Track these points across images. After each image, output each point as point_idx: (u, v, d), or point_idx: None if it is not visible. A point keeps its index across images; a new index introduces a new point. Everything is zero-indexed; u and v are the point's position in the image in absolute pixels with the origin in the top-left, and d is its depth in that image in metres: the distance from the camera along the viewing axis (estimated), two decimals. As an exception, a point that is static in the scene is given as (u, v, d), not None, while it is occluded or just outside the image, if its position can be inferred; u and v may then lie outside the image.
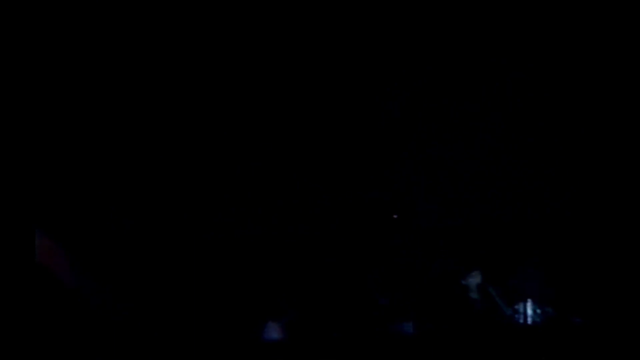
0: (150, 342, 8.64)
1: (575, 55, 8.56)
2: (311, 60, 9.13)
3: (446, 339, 6.72)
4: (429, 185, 9.29)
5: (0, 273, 5.71)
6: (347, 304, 8.95)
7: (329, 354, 6.50)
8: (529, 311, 8.52)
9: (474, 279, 8.66)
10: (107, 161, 9.51)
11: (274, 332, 7.82)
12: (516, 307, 8.55)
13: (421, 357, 5.95)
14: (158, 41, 9.20)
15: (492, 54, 8.93)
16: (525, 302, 8.56)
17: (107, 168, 9.49)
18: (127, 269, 9.25)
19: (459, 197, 9.38)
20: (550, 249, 9.22)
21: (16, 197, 5.81)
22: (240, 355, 7.10)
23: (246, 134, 9.54)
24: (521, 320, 8.50)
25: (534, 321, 8.50)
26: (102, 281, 7.98)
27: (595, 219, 5.23)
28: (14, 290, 5.69)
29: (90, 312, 8.92)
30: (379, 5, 8.69)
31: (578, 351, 5.45)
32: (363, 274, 8.99)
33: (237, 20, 8.92)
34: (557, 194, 9.26)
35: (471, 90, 9.11)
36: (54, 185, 9.05)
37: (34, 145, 6.94)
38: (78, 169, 9.38)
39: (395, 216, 8.36)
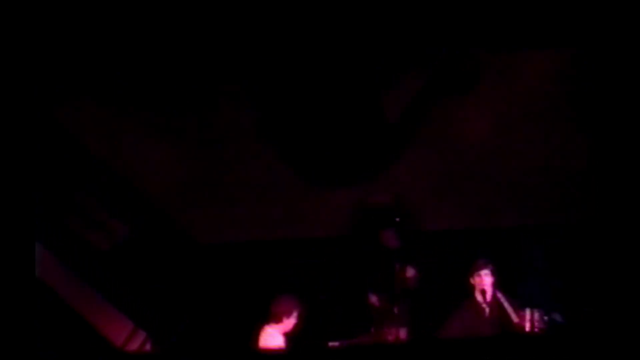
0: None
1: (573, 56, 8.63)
2: (311, 60, 9.11)
3: (451, 344, 6.65)
4: (433, 187, 9.33)
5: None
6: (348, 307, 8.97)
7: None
8: (536, 317, 8.44)
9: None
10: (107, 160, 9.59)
11: (273, 337, 7.74)
12: (523, 313, 8.45)
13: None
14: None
15: (492, 52, 8.93)
16: (532, 308, 8.49)
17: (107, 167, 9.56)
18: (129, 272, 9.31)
19: (464, 201, 9.41)
20: (558, 255, 9.22)
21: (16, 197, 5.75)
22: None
23: (246, 133, 9.54)
24: (528, 327, 8.40)
25: (541, 328, 8.43)
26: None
27: (605, 226, 5.15)
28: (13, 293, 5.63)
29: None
30: (380, 4, 8.74)
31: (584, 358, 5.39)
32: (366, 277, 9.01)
33: (237, 19, 8.94)
34: (565, 199, 9.29)
35: (474, 90, 9.13)
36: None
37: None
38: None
39: (397, 219, 8.41)
